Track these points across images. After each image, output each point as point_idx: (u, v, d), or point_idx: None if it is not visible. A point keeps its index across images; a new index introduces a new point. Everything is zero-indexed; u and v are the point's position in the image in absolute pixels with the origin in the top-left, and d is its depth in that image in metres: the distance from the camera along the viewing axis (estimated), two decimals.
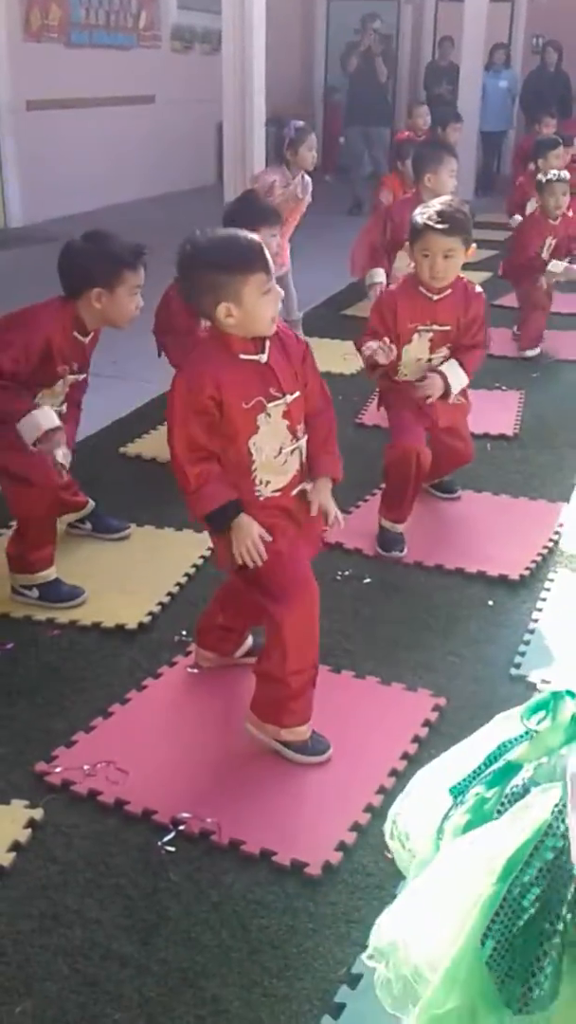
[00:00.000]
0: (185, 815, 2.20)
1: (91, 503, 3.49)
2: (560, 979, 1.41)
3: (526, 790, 1.50)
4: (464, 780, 1.62)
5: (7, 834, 2.15)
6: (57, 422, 2.91)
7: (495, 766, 1.59)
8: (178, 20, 11.37)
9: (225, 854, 2.13)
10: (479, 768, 1.61)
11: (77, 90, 9.54)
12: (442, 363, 3.43)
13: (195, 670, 2.75)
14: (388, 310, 3.42)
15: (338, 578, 3.28)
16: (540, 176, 5.82)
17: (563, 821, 1.41)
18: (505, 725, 1.66)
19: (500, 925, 1.42)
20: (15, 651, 2.84)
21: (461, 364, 3.42)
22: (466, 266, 3.51)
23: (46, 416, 2.89)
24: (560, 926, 1.39)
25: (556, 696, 1.53)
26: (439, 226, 3.21)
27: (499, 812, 1.52)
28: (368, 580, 3.27)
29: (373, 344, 3.34)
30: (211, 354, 2.31)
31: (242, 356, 2.30)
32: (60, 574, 3.10)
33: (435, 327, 3.39)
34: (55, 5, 9.32)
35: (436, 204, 3.30)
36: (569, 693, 1.53)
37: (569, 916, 1.40)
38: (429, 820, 1.66)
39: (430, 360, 3.44)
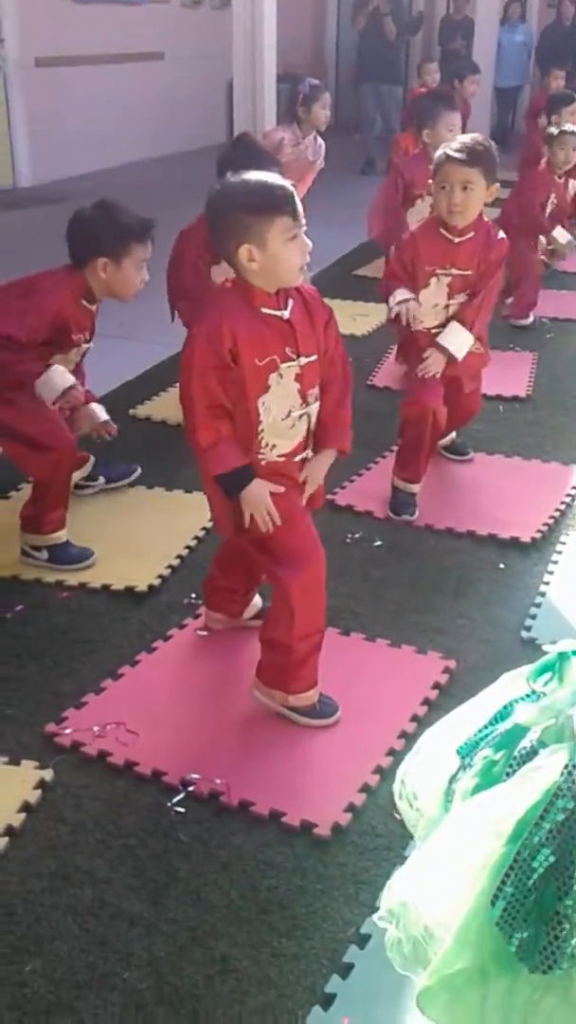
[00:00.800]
0: (194, 776, 2.21)
1: (91, 459, 3.50)
2: None
3: (534, 752, 1.49)
4: (471, 740, 1.61)
5: (17, 795, 2.16)
6: (72, 380, 2.95)
7: (502, 727, 1.57)
8: None
9: (234, 815, 2.14)
10: (486, 728, 1.60)
11: (86, 47, 9.40)
12: (456, 313, 3.38)
13: (204, 632, 2.75)
14: (408, 253, 3.36)
15: (348, 541, 3.26)
16: (552, 129, 5.72)
17: (574, 781, 1.40)
18: (512, 685, 1.65)
19: (510, 887, 1.41)
20: (25, 613, 2.84)
21: (464, 322, 3.35)
22: None
23: (61, 375, 2.92)
24: (574, 886, 1.39)
25: (563, 657, 1.51)
26: (457, 155, 3.16)
27: (508, 774, 1.51)
28: (379, 543, 3.26)
29: (410, 305, 3.30)
30: (230, 305, 2.24)
31: (263, 310, 2.23)
32: (70, 536, 3.10)
33: (455, 271, 3.32)
34: None
35: (460, 138, 3.25)
36: (575, 653, 1.52)
37: None
38: (437, 780, 1.65)
39: (447, 307, 3.37)
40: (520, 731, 1.54)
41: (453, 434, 3.83)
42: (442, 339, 3.35)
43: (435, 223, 3.35)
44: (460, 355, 3.35)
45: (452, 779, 1.61)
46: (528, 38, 12.12)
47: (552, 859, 1.41)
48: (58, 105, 9.08)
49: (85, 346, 3.11)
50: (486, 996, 1.46)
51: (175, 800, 2.17)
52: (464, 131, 4.90)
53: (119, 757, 2.27)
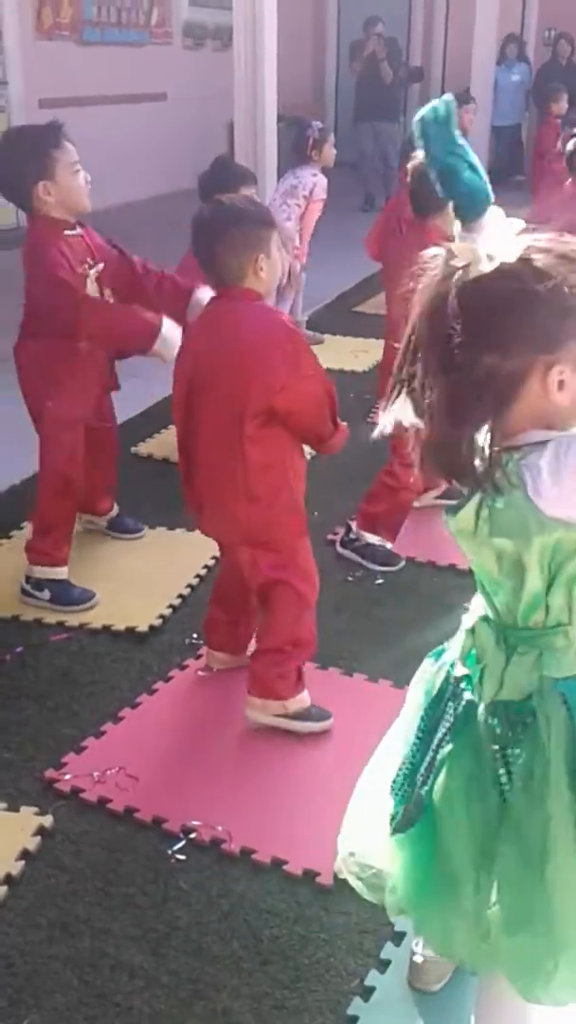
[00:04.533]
0: (195, 823, 2.18)
1: (115, 509, 3.49)
2: None
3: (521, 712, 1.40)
4: (403, 772, 1.52)
5: (16, 842, 2.13)
6: (178, 328, 2.85)
7: (446, 727, 1.48)
8: (189, 16, 11.31)
9: (236, 862, 2.11)
10: (418, 750, 1.51)
11: (89, 88, 9.51)
12: None
13: (206, 673, 2.73)
14: None
15: (350, 579, 3.24)
16: None
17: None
18: (412, 708, 1.60)
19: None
20: (24, 655, 2.81)
21: None
22: None
23: (173, 330, 2.84)
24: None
25: (470, 631, 1.46)
26: None
27: (503, 735, 1.41)
28: (380, 581, 3.24)
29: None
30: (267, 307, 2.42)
31: None
32: (71, 576, 3.08)
33: None
34: (67, 3, 9.29)
35: None
36: (474, 627, 1.47)
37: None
38: (381, 830, 1.54)
39: None
40: (471, 710, 1.45)
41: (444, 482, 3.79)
42: None
43: None
44: None
45: (392, 819, 1.51)
46: (524, 77, 12.26)
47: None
48: None
49: (93, 272, 3.02)
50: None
51: (176, 847, 2.14)
52: None
53: (119, 803, 2.24)
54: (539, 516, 1.27)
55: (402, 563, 3.33)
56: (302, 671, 2.52)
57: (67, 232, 2.98)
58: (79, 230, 3.04)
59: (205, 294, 2.84)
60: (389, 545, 3.36)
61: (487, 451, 1.28)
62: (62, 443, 3.03)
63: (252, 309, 2.34)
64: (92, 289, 3.02)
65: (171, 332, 2.84)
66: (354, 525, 3.37)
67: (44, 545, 3.06)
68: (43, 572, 3.05)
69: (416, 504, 3.70)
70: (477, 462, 1.29)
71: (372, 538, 3.35)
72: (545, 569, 1.33)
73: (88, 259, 3.01)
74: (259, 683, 2.49)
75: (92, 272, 3.03)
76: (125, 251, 3.17)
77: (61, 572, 3.07)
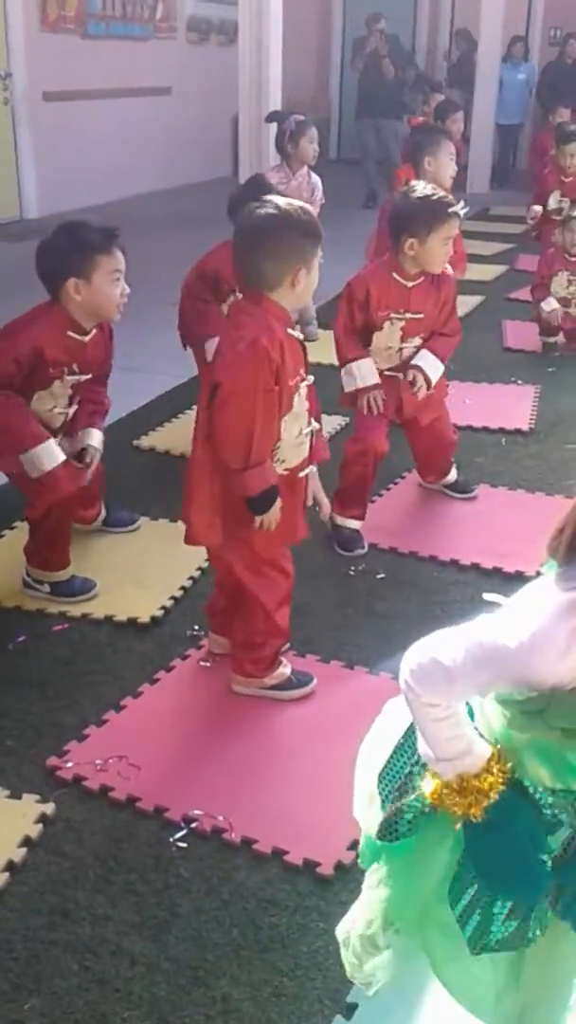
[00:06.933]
0: (197, 812, 2.19)
1: (103, 512, 3.47)
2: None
3: None
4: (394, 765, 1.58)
5: (18, 829, 2.14)
6: (60, 459, 2.87)
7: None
8: (194, 11, 11.33)
9: (237, 852, 2.12)
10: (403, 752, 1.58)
11: (93, 81, 9.52)
12: (414, 353, 3.40)
13: (207, 663, 2.74)
14: (360, 295, 3.35)
15: (351, 573, 3.25)
16: (560, 203, 5.95)
17: None
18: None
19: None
20: (27, 644, 2.82)
21: (435, 353, 3.40)
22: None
23: (49, 454, 2.85)
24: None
25: None
26: (462, 212, 3.29)
27: None
28: (382, 575, 3.25)
29: (377, 395, 3.30)
30: (272, 324, 2.27)
31: (289, 331, 2.33)
32: (73, 568, 3.09)
33: (408, 315, 3.34)
34: None
35: (435, 189, 3.33)
36: None
37: None
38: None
39: (400, 350, 3.40)
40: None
41: (455, 472, 3.81)
42: (419, 360, 3.38)
43: (387, 268, 3.37)
44: (434, 379, 3.39)
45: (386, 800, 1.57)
46: (530, 76, 12.27)
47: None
48: (65, 138, 9.17)
49: (71, 379, 2.98)
50: None
51: (177, 836, 2.15)
52: (463, 167, 4.99)
53: (121, 792, 2.25)
54: None
55: (362, 550, 3.35)
56: (278, 651, 2.61)
57: (71, 333, 2.92)
58: (88, 337, 2.98)
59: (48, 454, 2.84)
60: (356, 525, 3.40)
61: None
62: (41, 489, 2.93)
63: (249, 318, 2.29)
64: (59, 391, 2.98)
65: (44, 453, 2.83)
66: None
67: (42, 551, 3.03)
68: (44, 576, 3.04)
69: (426, 486, 3.79)
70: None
71: (340, 520, 3.39)
72: None
73: (74, 365, 2.95)
74: (237, 665, 2.61)
75: (70, 379, 2.97)
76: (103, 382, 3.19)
77: (63, 575, 3.05)
